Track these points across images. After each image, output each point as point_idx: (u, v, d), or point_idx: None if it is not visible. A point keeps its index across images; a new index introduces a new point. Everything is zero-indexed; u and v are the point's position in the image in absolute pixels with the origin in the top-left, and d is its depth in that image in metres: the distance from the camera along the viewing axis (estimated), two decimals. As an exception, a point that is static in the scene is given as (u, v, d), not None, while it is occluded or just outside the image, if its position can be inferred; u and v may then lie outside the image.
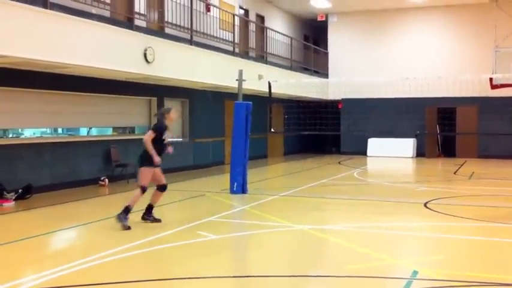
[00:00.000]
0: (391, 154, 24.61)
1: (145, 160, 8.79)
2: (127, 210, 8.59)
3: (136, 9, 13.86)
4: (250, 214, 10.35)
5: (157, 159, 8.76)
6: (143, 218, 9.03)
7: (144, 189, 8.77)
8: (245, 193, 12.54)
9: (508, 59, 18.80)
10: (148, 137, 8.81)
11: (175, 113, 9.31)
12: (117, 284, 5.85)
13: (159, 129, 8.95)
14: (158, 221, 9.02)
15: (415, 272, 6.21)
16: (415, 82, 16.73)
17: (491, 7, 21.70)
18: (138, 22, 13.81)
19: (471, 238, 8.39)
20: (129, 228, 8.49)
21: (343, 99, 25.71)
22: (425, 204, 11.06)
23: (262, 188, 14.07)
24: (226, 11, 18.67)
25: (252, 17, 22.96)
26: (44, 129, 13.91)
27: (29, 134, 13.55)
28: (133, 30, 13.13)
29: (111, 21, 12.89)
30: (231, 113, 14.81)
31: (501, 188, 14.26)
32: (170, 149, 9.21)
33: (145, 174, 8.79)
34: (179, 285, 6.00)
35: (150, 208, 9.08)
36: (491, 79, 18.30)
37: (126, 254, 7.04)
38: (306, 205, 11.47)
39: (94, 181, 13.97)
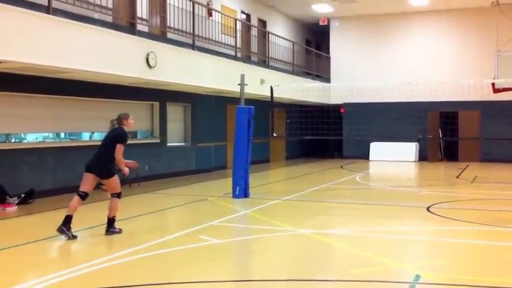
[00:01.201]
0: (393, 158, 24.59)
1: (110, 168, 8.52)
2: (112, 221, 8.53)
3: (139, 14, 13.90)
4: (253, 218, 10.35)
5: (127, 170, 8.57)
6: (63, 231, 8.14)
7: (120, 195, 8.65)
8: (247, 197, 12.54)
9: (510, 62, 18.76)
10: (121, 154, 8.37)
11: (132, 119, 8.81)
12: (120, 288, 5.86)
13: (126, 139, 8.57)
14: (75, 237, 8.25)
15: (418, 276, 6.20)
16: (417, 86, 16.72)
17: (493, 11, 21.67)
18: (140, 27, 13.84)
19: (474, 242, 8.37)
20: (120, 231, 8.51)
21: (345, 104, 25.70)
22: (427, 208, 11.05)
23: (264, 192, 14.08)
24: (228, 16, 18.71)
25: (254, 21, 23.00)
26: (47, 134, 13.92)
27: (32, 138, 13.57)
28: (135, 35, 13.15)
29: (114, 26, 12.92)
30: (233, 117, 14.82)
31: (504, 192, 14.25)
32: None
33: (117, 181, 8.60)
34: (182, 289, 6.00)
35: (70, 219, 8.23)
36: (493, 83, 18.28)
37: (129, 258, 7.04)
38: (308, 209, 11.46)
39: (96, 186, 13.91)
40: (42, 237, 8.38)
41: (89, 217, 10.52)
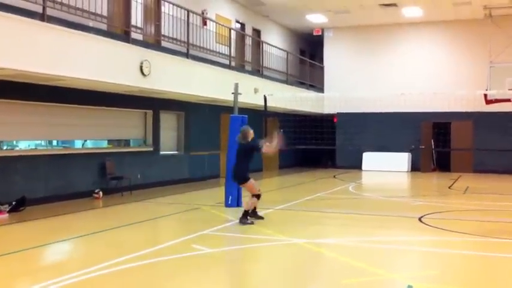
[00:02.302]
0: (386, 168, 24.65)
1: (244, 176, 10.64)
2: (246, 214, 10.43)
3: (133, 22, 13.91)
4: (245, 228, 10.31)
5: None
6: (244, 222, 10.38)
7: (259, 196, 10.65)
8: (240, 206, 12.49)
9: (502, 74, 18.92)
10: (267, 149, 10.78)
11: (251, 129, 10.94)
12: (111, 297, 5.83)
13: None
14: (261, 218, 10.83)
15: (410, 287, 6.20)
16: (410, 97, 16.80)
17: (485, 23, 21.88)
18: (134, 35, 13.85)
19: (466, 253, 8.39)
20: (252, 223, 10.32)
21: (338, 113, 25.79)
22: (420, 219, 11.07)
23: (257, 201, 14.03)
24: (222, 25, 18.76)
25: (249, 31, 23.08)
26: (39, 142, 13.88)
27: (24, 146, 13.51)
28: (129, 43, 13.16)
29: (108, 34, 12.93)
30: (226, 126, 14.82)
31: (496, 202, 14.28)
32: None
33: (252, 184, 10.72)
34: (173, 298, 5.97)
35: (248, 213, 10.55)
36: (485, 94, 18.41)
37: (120, 267, 7.00)
38: (301, 219, 11.45)
39: (88, 194, 13.93)
40: (34, 245, 8.33)
41: (80, 226, 10.49)
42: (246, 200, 10.92)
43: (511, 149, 22.15)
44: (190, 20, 15.84)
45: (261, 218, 10.83)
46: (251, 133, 10.72)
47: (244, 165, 10.62)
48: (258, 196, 10.64)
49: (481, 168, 23.91)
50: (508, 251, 8.42)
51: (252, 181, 10.64)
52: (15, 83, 11.71)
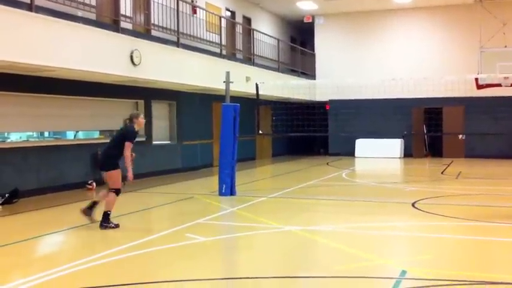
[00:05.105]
0: (378, 155, 24.70)
1: (115, 162, 8.85)
2: (106, 215, 8.72)
3: (122, 11, 13.80)
4: (239, 216, 10.34)
5: (131, 175, 8.81)
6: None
7: (119, 192, 8.88)
8: (234, 195, 12.52)
9: (493, 59, 18.91)
10: (129, 151, 8.78)
11: (143, 118, 9.28)
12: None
13: (134, 137, 8.96)
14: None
15: (404, 272, 6.23)
16: (402, 83, 16.80)
17: (476, 8, 21.83)
18: (124, 24, 13.75)
19: (459, 237, 8.43)
20: (117, 225, 8.73)
21: (330, 101, 25.78)
22: (413, 204, 11.11)
23: (250, 189, 14.06)
24: (212, 13, 18.65)
25: (239, 18, 22.96)
26: (30, 133, 13.79)
27: (15, 138, 13.43)
28: (119, 32, 13.06)
29: (97, 23, 12.82)
30: (218, 115, 14.79)
31: (488, 187, 14.36)
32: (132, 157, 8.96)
33: (118, 176, 8.86)
34: (168, 288, 5.97)
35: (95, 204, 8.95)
36: (476, 79, 18.43)
37: (113, 257, 6.99)
38: (294, 206, 11.47)
39: (81, 185, 13.88)
40: (27, 237, 8.30)
41: (73, 217, 10.45)
42: (107, 199, 8.88)
43: (502, 133, 22.25)
44: (180, 9, 15.74)
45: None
46: (140, 121, 9.08)
47: (116, 153, 8.86)
48: (118, 191, 8.89)
49: (473, 153, 24.01)
50: (501, 235, 8.47)
51: (116, 172, 8.86)
52: (4, 74, 11.59)
